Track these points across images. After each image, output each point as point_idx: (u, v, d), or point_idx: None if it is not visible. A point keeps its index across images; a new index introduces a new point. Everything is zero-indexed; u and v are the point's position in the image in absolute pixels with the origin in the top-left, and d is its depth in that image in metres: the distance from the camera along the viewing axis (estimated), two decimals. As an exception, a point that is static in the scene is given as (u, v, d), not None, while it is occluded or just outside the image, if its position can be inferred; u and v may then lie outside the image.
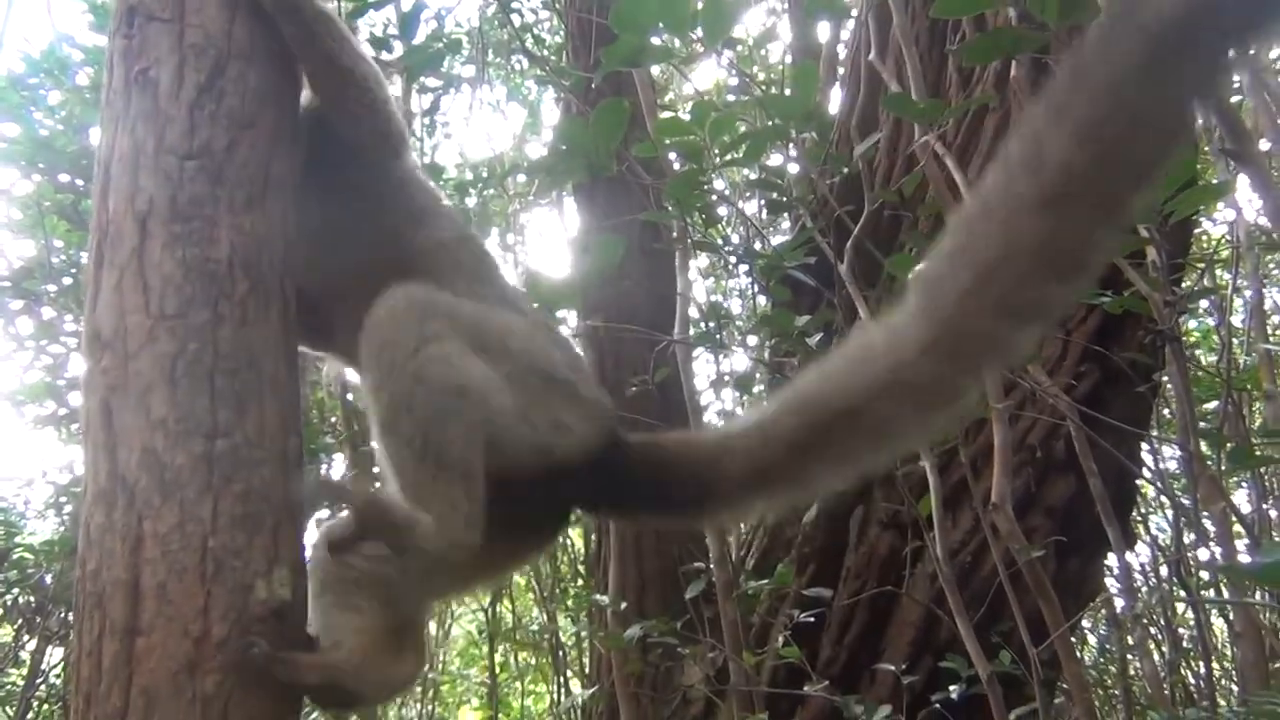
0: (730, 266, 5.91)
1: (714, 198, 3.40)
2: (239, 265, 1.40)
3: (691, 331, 4.14)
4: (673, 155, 3.35)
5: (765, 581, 3.46)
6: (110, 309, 1.35)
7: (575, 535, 6.62)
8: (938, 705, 3.18)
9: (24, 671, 5.36)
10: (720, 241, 4.64)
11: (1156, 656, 4.55)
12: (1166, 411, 5.80)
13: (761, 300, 5.22)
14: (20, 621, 5.34)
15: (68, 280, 5.15)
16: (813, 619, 3.55)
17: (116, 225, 1.38)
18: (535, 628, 7.44)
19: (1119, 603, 4.39)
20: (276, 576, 1.30)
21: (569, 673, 6.86)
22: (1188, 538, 4.89)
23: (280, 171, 1.52)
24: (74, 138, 4.75)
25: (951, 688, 3.18)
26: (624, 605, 3.73)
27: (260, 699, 1.24)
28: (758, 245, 4.32)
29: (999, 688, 2.72)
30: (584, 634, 5.57)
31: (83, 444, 1.35)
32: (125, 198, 1.39)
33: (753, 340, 5.11)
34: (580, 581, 6.44)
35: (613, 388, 4.39)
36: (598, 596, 3.87)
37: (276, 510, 1.33)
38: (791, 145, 3.30)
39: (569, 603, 6.64)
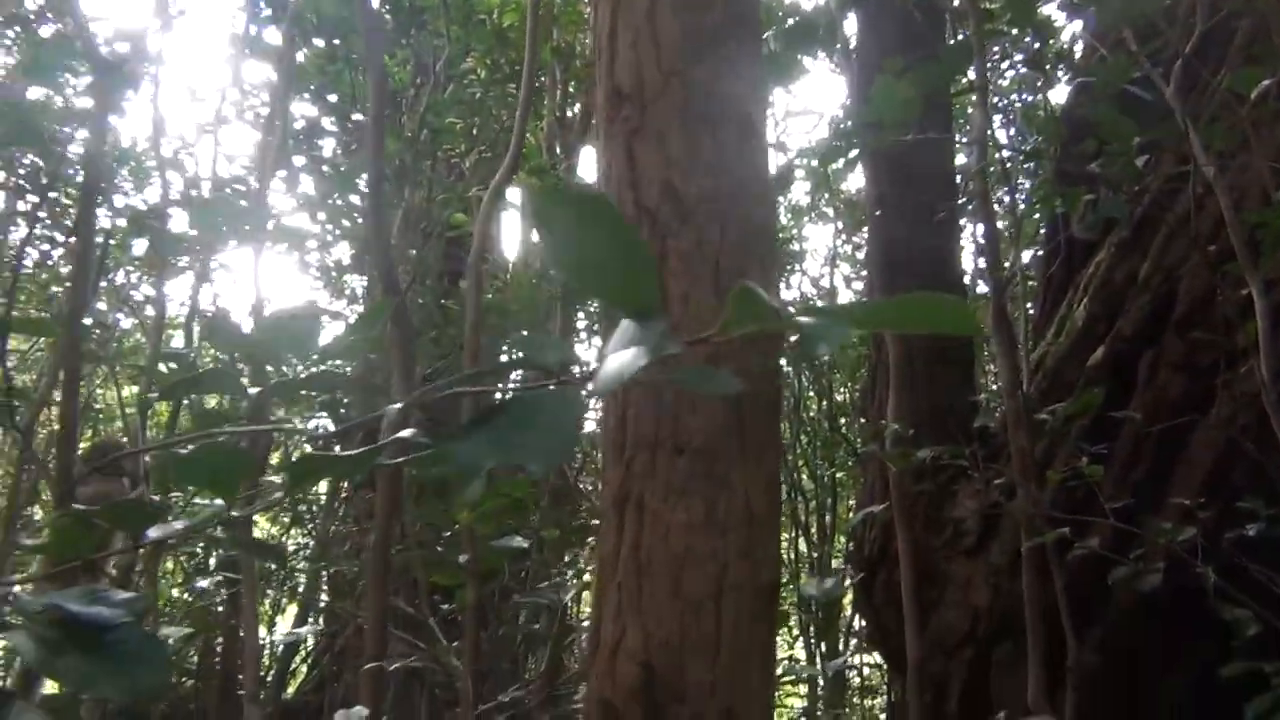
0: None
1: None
2: (727, 29, 1.65)
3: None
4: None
5: (1063, 405, 3.60)
6: (628, 67, 1.64)
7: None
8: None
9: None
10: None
11: None
12: None
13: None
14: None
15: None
16: (1105, 450, 3.68)
17: (629, -5, 1.66)
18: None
19: None
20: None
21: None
22: None
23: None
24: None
25: (1249, 526, 3.28)
26: (910, 431, 3.96)
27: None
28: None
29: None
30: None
31: (602, 181, 1.66)
32: (635, -29, 1.66)
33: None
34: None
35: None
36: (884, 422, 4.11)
37: (769, 242, 1.62)
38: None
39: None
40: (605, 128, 1.66)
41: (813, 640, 7.44)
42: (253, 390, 1.48)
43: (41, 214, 5.86)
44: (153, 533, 1.10)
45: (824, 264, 9.01)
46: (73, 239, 6.19)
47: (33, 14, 5.15)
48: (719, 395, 1.51)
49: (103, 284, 6.46)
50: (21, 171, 5.53)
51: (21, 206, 6.15)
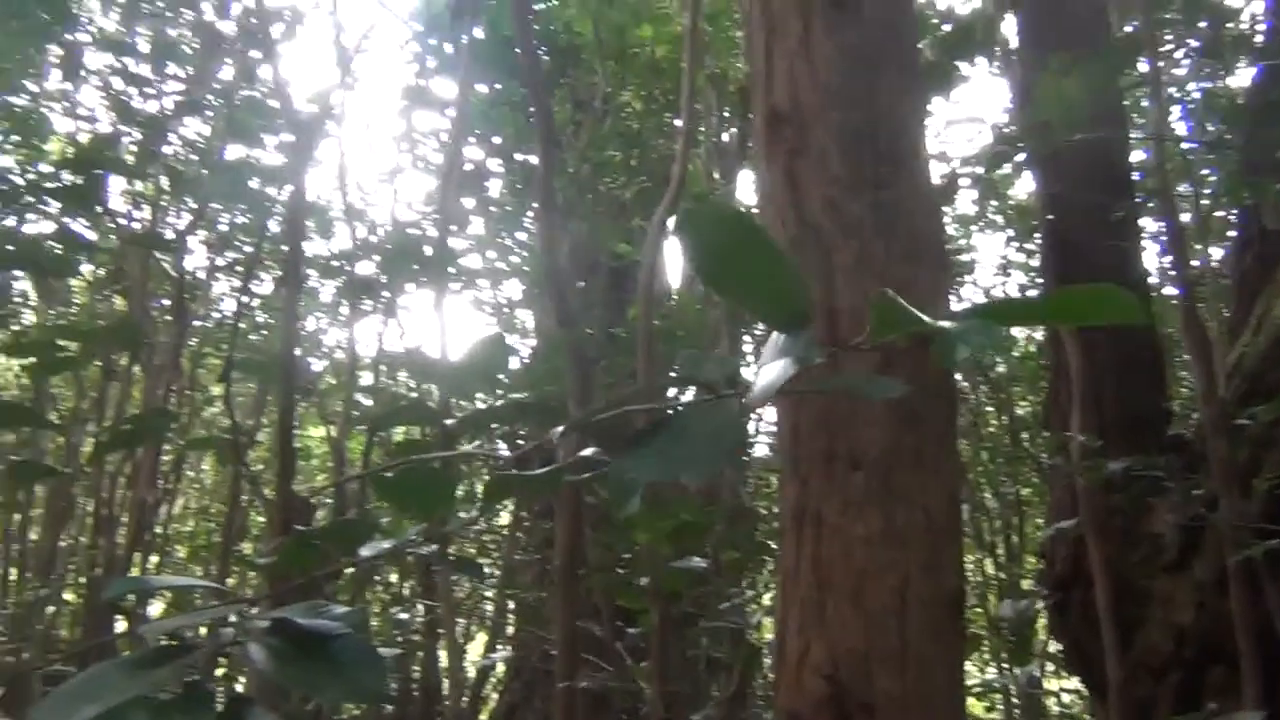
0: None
1: None
2: (883, 44, 1.67)
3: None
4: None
5: (1264, 408, 3.39)
6: (785, 89, 1.67)
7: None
8: None
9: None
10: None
11: None
12: None
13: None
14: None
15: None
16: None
17: (782, 19, 1.70)
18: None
19: None
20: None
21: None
22: None
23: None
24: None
25: None
26: (1099, 443, 3.81)
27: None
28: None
29: None
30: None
31: (762, 202, 1.70)
32: (790, -5, 1.70)
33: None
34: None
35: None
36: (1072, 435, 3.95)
37: (937, 252, 1.62)
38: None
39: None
40: (764, 150, 1.70)
41: (1005, 665, 7.18)
42: (447, 421, 1.58)
43: (240, 266, 6.34)
44: (365, 551, 1.20)
45: (996, 273, 8.72)
46: (268, 288, 6.67)
47: (230, 81, 5.61)
48: (893, 408, 1.52)
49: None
50: (223, 227, 6.00)
51: (220, 261, 6.66)
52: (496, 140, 8.17)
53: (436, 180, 7.11)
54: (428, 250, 4.31)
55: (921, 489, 1.51)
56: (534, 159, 7.53)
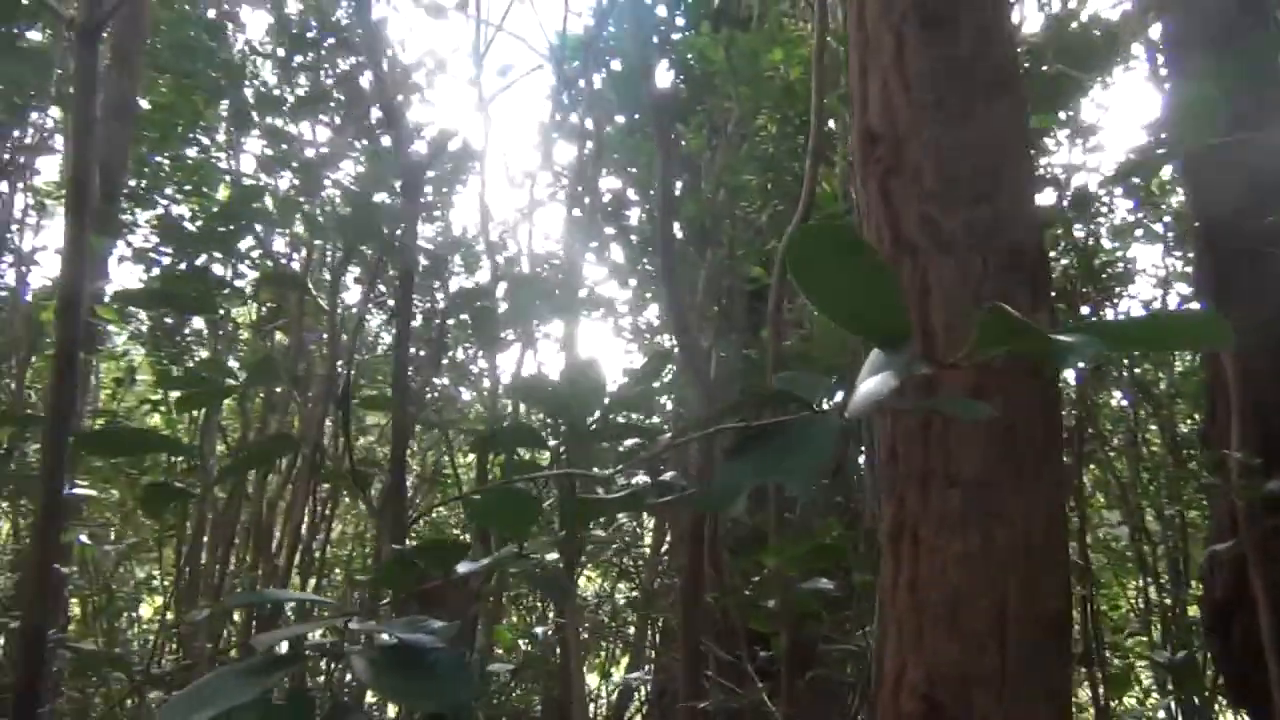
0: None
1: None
2: (976, 60, 1.65)
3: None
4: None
5: None
6: (878, 108, 1.68)
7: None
8: None
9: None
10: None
11: None
12: None
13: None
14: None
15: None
16: None
17: (875, 38, 1.70)
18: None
19: None
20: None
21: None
22: None
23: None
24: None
25: None
26: (1258, 460, 3.59)
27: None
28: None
29: None
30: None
31: (861, 219, 1.70)
32: (879, 13, 1.70)
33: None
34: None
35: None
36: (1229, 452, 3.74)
37: (1036, 267, 1.59)
38: None
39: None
40: (861, 169, 1.71)
41: (1170, 698, 6.79)
42: (552, 442, 1.64)
43: (388, 301, 6.64)
44: (461, 568, 1.26)
45: (1155, 285, 8.32)
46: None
47: (372, 124, 5.92)
48: (990, 426, 1.50)
49: (445, 360, 7.18)
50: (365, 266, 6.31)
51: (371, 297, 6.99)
52: (634, 170, 8.31)
53: (575, 211, 7.29)
54: (557, 281, 4.42)
55: (1020, 508, 1.48)
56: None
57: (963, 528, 1.47)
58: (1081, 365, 8.12)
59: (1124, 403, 7.98)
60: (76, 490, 5.05)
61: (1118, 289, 8.44)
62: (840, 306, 1.12)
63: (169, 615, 6.05)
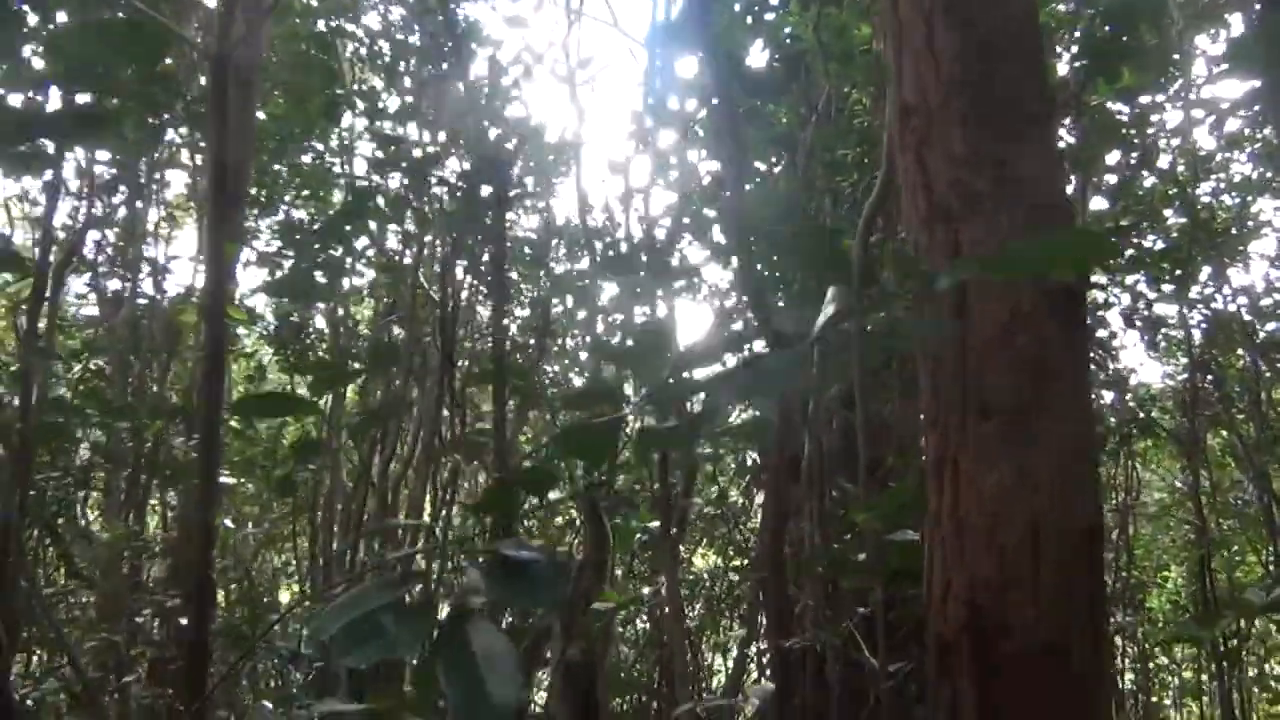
0: None
1: None
2: (1000, 34, 1.85)
3: None
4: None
5: None
6: (912, 82, 1.89)
7: None
8: None
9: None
10: None
11: None
12: None
13: None
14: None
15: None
16: None
17: (909, 23, 1.91)
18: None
19: None
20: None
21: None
22: None
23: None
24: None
25: None
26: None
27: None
28: None
29: None
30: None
31: (905, 188, 1.91)
32: (912, 3, 1.91)
33: None
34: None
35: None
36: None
37: (1059, 217, 1.78)
38: None
39: None
40: (898, 139, 1.91)
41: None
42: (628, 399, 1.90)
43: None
44: (553, 495, 1.53)
45: None
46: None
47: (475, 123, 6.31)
48: (1024, 362, 1.70)
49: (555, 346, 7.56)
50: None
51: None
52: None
53: (676, 195, 7.53)
54: (657, 263, 4.67)
55: (1051, 435, 1.68)
56: (776, 168, 7.87)
57: (998, 455, 1.68)
58: (1204, 325, 8.02)
59: (1251, 362, 7.84)
60: (222, 479, 5.56)
61: (1244, 243, 8.29)
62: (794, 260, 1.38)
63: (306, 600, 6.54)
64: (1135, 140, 6.83)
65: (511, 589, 1.45)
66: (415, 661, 1.49)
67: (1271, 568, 7.24)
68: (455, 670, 1.35)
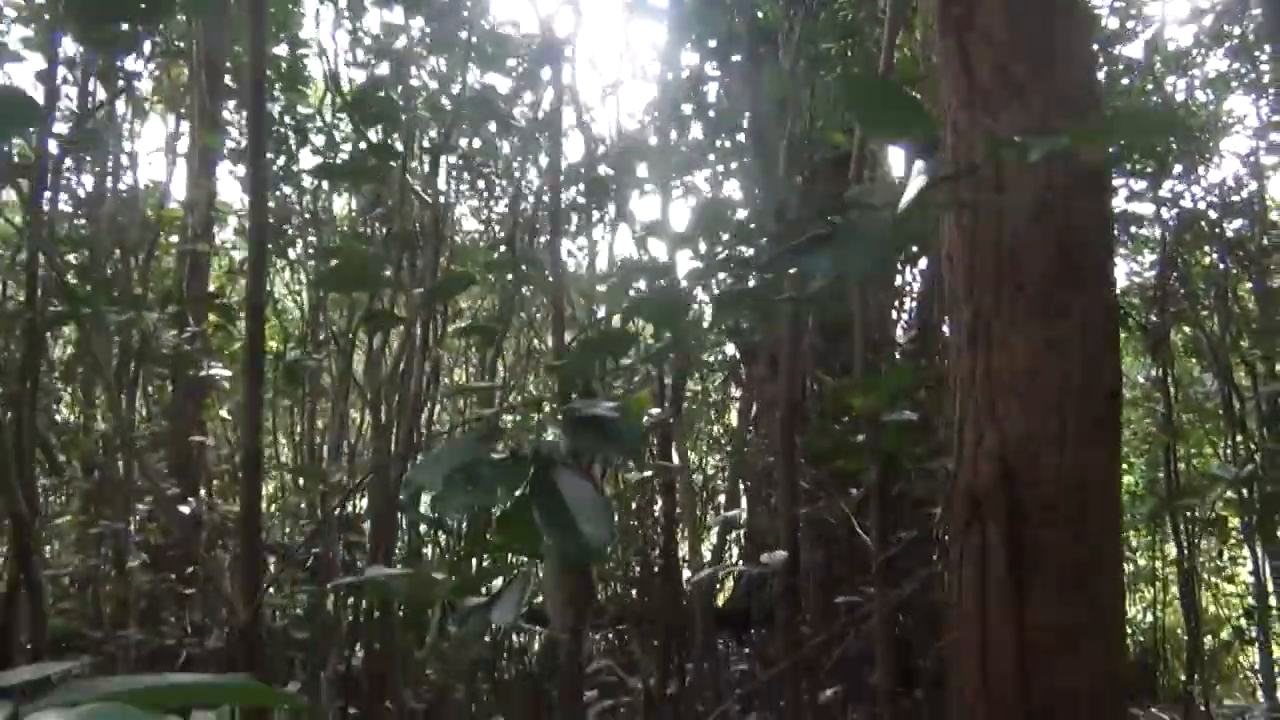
0: None
1: None
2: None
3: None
4: None
5: None
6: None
7: None
8: None
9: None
10: None
11: None
12: None
13: None
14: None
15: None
16: None
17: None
18: None
19: None
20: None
21: None
22: None
23: None
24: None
25: None
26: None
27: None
28: None
29: None
30: None
31: (941, 71, 2.01)
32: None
33: None
34: None
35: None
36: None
37: (1093, 100, 1.90)
38: None
39: None
40: (939, 24, 2.01)
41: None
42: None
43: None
44: (625, 360, 1.66)
45: (1250, 136, 8.34)
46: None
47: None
48: (1054, 239, 1.84)
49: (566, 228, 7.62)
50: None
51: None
52: (712, 43, 8.47)
53: (656, 89, 7.54)
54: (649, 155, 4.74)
55: (1079, 306, 1.82)
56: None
57: (1030, 323, 1.83)
58: (1172, 224, 8.23)
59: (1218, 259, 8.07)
60: (214, 371, 5.63)
61: (1215, 140, 8.46)
62: (888, 130, 1.49)
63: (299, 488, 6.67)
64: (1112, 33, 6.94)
65: (592, 440, 1.59)
66: (500, 511, 1.62)
67: (1229, 458, 7.57)
68: (551, 514, 1.49)
